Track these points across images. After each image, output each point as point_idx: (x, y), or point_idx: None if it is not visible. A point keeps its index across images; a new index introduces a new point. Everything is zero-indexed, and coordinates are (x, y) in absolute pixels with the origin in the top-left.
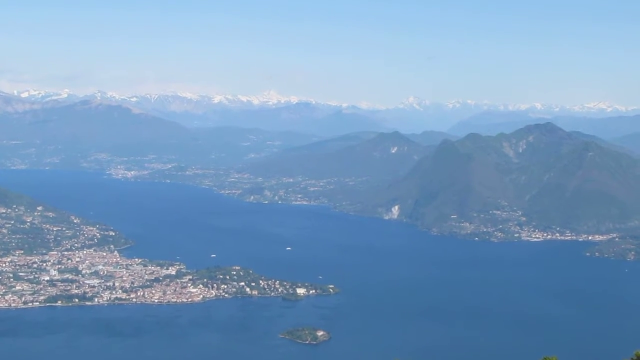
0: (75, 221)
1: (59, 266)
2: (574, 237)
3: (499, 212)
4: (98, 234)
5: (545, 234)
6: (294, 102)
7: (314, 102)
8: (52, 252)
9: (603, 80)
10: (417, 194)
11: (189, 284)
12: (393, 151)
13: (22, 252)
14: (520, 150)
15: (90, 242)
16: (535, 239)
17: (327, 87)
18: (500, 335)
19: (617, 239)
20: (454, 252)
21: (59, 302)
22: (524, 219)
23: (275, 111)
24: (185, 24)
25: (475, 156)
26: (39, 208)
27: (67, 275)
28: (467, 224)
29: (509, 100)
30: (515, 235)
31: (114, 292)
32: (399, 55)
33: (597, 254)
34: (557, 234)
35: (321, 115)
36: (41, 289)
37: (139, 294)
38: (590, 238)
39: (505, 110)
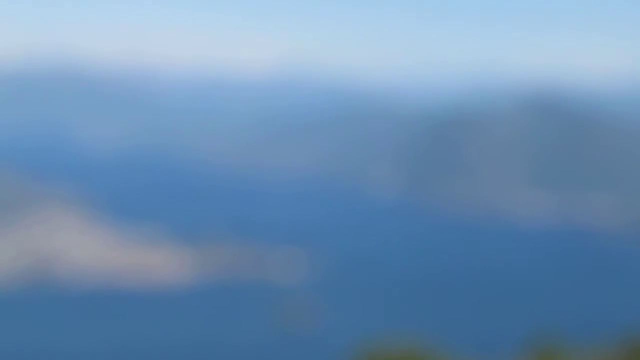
0: None
1: None
2: None
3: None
4: None
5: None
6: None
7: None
8: None
9: (609, 51)
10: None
11: None
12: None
13: None
14: (522, 125)
15: None
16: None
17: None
18: (493, 306)
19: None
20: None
21: None
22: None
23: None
24: None
25: (474, 130)
26: None
27: None
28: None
29: (510, 70)
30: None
31: None
32: None
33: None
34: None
35: None
36: None
37: None
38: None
39: (506, 81)
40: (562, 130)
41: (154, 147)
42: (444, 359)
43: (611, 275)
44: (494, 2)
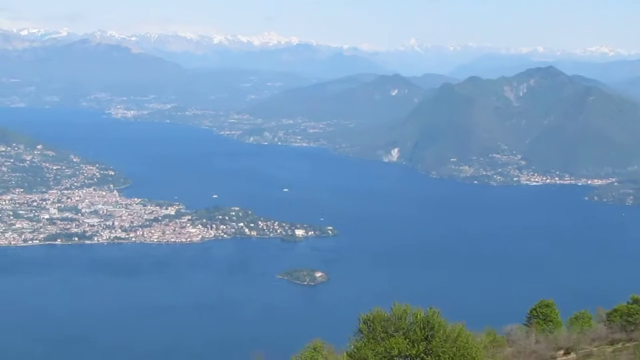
0: (74, 160)
1: (59, 205)
2: (573, 181)
3: (498, 155)
4: (98, 174)
5: (544, 178)
6: (295, 44)
7: (314, 44)
8: (52, 191)
9: (606, 23)
10: (417, 136)
11: (188, 224)
12: (393, 94)
13: (22, 190)
14: (521, 94)
15: (89, 181)
16: (535, 183)
17: (327, 28)
18: (497, 279)
19: (616, 184)
20: (453, 195)
21: (59, 240)
22: (524, 162)
23: (275, 52)
24: None
25: (475, 99)
26: (39, 147)
27: (67, 214)
28: (467, 167)
29: (510, 44)
30: (515, 179)
31: (113, 232)
32: None
33: (595, 198)
34: (557, 178)
35: (322, 57)
36: (41, 227)
37: (138, 233)
38: (589, 182)
39: (507, 54)
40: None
41: None
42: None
43: None
44: None
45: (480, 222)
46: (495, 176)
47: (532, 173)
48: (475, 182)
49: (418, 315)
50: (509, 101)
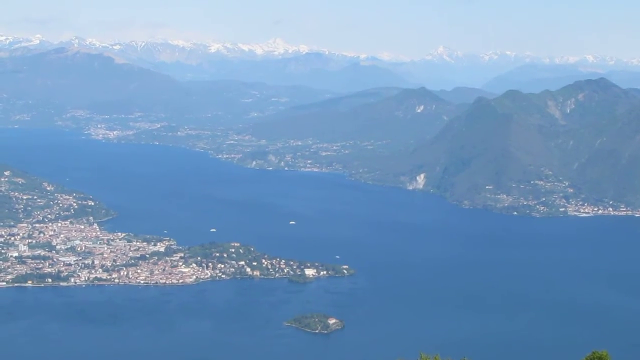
0: (48, 189)
1: (30, 240)
2: (630, 212)
3: (542, 182)
4: (75, 204)
5: (596, 209)
6: (304, 52)
7: (327, 53)
8: (22, 224)
9: None
10: (447, 160)
11: (180, 263)
12: (419, 110)
13: None
14: (568, 111)
15: (65, 213)
16: (585, 214)
17: (342, 34)
18: (542, 327)
19: None
20: (488, 228)
21: (29, 282)
22: (571, 190)
23: (281, 62)
24: None
25: (515, 117)
26: (7, 173)
27: (39, 251)
28: (505, 196)
29: (555, 52)
30: (561, 209)
31: (93, 272)
32: None
33: None
34: (610, 209)
35: (335, 68)
36: (9, 267)
37: (121, 273)
38: None
39: (550, 64)
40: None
41: None
42: None
43: None
44: None
45: (520, 260)
46: (538, 206)
47: (581, 203)
48: (515, 213)
49: None
50: (554, 119)
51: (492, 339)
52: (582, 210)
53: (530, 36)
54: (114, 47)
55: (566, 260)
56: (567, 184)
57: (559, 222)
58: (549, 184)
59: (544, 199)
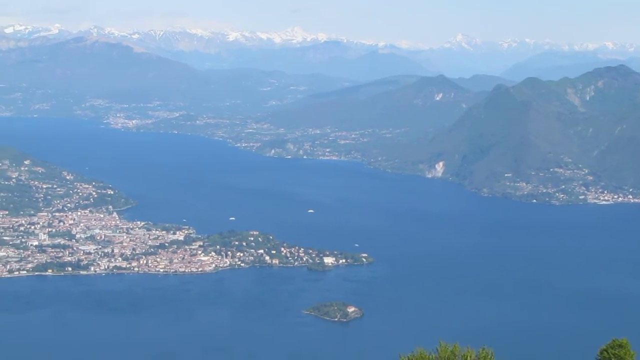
0: (68, 178)
1: (50, 229)
2: None
3: (561, 170)
4: (94, 193)
5: (615, 196)
6: (322, 41)
7: (345, 41)
8: (42, 213)
9: None
10: (465, 148)
11: (199, 252)
12: (437, 98)
13: (7, 212)
14: (588, 98)
15: (85, 202)
16: (604, 202)
17: (360, 22)
18: (561, 315)
19: None
20: (507, 216)
21: (50, 270)
22: (591, 178)
23: (300, 51)
24: None
25: (534, 104)
26: (26, 162)
27: (59, 240)
28: (524, 184)
29: (574, 39)
30: (581, 197)
31: (112, 260)
32: None
33: None
34: (630, 196)
35: (354, 56)
36: (29, 256)
37: (141, 262)
38: None
39: (570, 51)
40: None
41: None
42: None
43: None
44: None
45: (540, 248)
46: (557, 194)
47: (600, 190)
48: (534, 200)
49: (468, 357)
50: (574, 106)
51: (511, 327)
52: (601, 198)
53: (550, 23)
54: (132, 36)
55: (586, 248)
56: (586, 171)
57: (578, 210)
58: (568, 172)
59: (563, 186)
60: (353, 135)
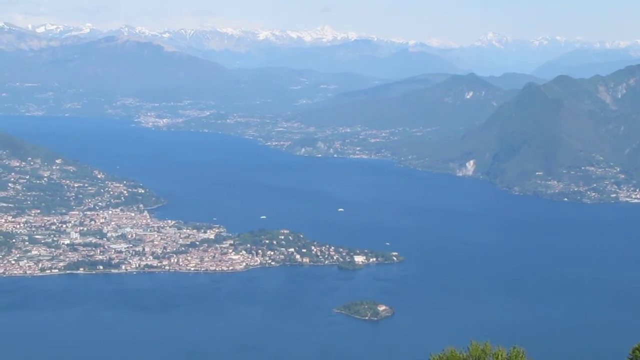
0: (99, 176)
1: (81, 228)
2: None
3: (593, 168)
4: (125, 192)
5: None
6: (352, 39)
7: (375, 39)
8: (73, 212)
9: None
10: (496, 146)
11: (230, 250)
12: (468, 96)
13: (39, 211)
14: (620, 96)
15: (116, 200)
16: (636, 200)
17: (391, 21)
18: (593, 314)
19: None
20: (539, 215)
21: (81, 269)
22: (623, 176)
23: (330, 49)
24: None
25: (565, 102)
26: (58, 161)
27: (90, 239)
28: (555, 182)
29: (606, 36)
30: (612, 195)
31: (143, 259)
32: None
33: None
34: None
35: (384, 55)
36: (60, 254)
37: (172, 260)
38: None
39: (601, 49)
40: None
41: None
42: None
43: None
44: None
45: (571, 247)
46: (589, 192)
47: (632, 188)
48: (566, 199)
49: (499, 356)
50: (605, 104)
51: (543, 326)
52: (633, 196)
53: (581, 21)
54: (163, 35)
55: (618, 247)
56: (618, 169)
57: (610, 208)
58: (600, 170)
59: (595, 185)
60: (383, 134)
